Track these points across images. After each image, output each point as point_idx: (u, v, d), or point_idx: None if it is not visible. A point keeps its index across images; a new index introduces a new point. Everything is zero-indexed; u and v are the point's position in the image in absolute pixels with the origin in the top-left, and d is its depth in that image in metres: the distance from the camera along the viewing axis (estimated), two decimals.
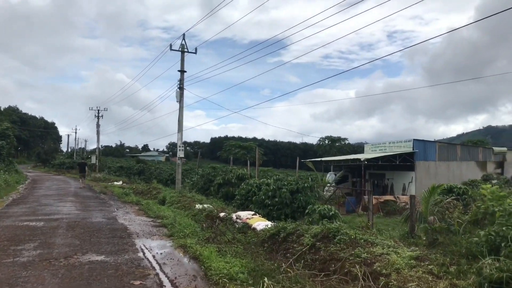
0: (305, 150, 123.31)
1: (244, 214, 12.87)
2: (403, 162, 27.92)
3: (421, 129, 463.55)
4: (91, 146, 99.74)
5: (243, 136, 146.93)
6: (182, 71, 25.14)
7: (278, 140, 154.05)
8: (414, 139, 28.63)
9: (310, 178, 20.51)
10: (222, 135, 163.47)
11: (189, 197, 18.69)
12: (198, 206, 15.22)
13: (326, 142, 74.75)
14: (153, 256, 8.32)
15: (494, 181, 24.37)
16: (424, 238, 11.51)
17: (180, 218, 12.64)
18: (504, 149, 29.53)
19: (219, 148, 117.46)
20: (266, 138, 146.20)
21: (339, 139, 74.36)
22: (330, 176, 32.30)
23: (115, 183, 33.25)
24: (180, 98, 24.87)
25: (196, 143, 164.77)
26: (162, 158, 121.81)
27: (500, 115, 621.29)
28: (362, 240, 7.73)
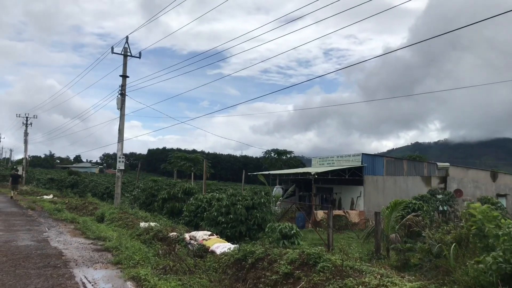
0: (245, 163, 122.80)
1: (200, 235, 11.47)
2: (351, 176, 27.68)
3: (355, 143, 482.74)
4: (17, 156, 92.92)
5: (182, 148, 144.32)
6: (124, 76, 23.32)
7: (218, 153, 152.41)
8: (362, 154, 28.55)
9: (263, 193, 19.45)
10: (160, 147, 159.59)
11: (131, 213, 17.11)
12: (142, 224, 13.67)
13: (272, 155, 73.87)
14: None
15: (439, 196, 24.71)
16: (396, 259, 10.82)
17: (126, 240, 10.96)
18: (447, 164, 30.33)
19: (158, 160, 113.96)
20: (206, 151, 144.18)
21: (285, 152, 73.67)
22: (277, 190, 31.48)
23: (45, 197, 30.15)
24: (122, 105, 22.99)
25: (132, 154, 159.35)
26: (96, 170, 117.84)
27: (428, 132, 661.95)
28: (349, 268, 6.77)
